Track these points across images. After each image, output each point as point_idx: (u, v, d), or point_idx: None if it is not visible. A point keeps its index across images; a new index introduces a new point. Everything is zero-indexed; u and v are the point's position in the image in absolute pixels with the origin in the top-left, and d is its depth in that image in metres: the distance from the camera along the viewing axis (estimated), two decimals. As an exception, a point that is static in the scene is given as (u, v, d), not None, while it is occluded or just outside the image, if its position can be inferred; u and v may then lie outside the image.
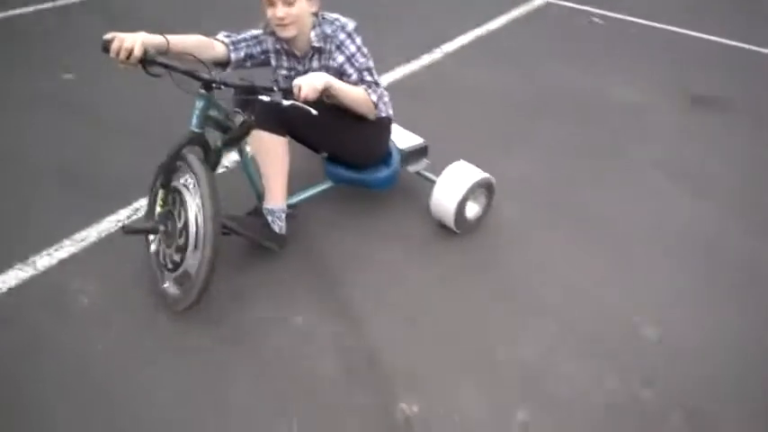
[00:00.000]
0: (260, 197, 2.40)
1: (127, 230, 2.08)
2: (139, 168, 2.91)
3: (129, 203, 2.68)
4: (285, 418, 1.82)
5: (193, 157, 2.05)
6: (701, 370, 2.06)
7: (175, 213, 2.07)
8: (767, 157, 3.40)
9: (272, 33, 2.23)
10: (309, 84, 1.97)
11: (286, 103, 1.94)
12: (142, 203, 2.68)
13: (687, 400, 1.94)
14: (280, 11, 2.08)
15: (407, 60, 4.27)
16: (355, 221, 2.67)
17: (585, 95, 4.01)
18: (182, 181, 2.09)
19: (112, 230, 2.52)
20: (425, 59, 4.36)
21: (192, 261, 1.99)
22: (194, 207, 2.00)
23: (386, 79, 3.94)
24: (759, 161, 3.35)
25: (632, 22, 5.47)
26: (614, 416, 1.89)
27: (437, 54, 4.47)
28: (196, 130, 2.07)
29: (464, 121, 3.60)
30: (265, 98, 1.95)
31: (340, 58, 2.21)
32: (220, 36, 2.26)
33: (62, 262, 2.35)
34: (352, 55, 2.22)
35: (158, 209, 2.12)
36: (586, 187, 3.01)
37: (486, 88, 4.03)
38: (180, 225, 2.03)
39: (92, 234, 2.49)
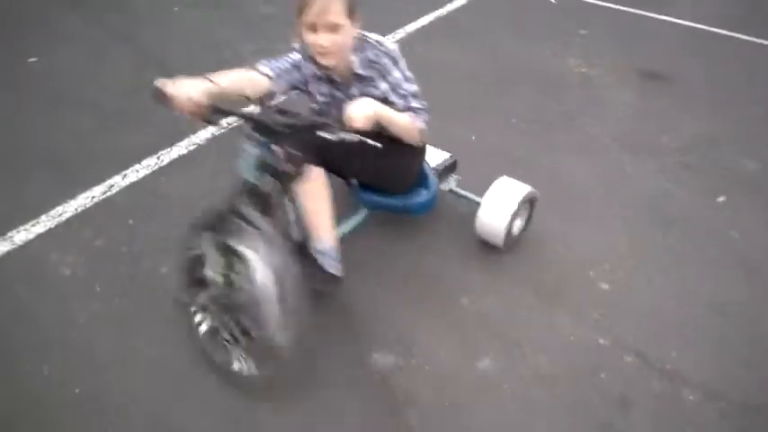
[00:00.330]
0: (304, 237, 2.13)
1: (179, 304, 1.85)
2: (110, 146, 2.99)
3: (103, 180, 2.73)
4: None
5: (252, 211, 1.76)
6: (648, 318, 2.24)
7: (237, 278, 1.76)
8: (710, 126, 3.60)
9: (311, 58, 1.98)
10: (362, 113, 1.75)
11: (351, 138, 1.70)
12: (116, 180, 2.73)
13: (638, 343, 2.12)
14: (323, 39, 1.83)
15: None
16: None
17: (543, 72, 4.16)
18: (241, 241, 1.73)
19: (88, 206, 2.57)
20: (389, 39, 4.45)
21: (273, 326, 1.70)
22: (264, 267, 1.68)
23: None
24: (703, 131, 3.55)
25: (587, 2, 5.65)
26: (573, 359, 2.05)
27: (400, 34, 4.57)
28: (253, 182, 1.78)
29: (429, 96, 3.70)
30: (330, 136, 1.71)
31: (383, 86, 2.02)
32: (262, 68, 1.98)
33: (40, 236, 2.40)
34: (397, 82, 2.02)
35: (216, 277, 1.79)
36: (547, 155, 3.16)
37: (449, 65, 4.15)
38: (247, 291, 1.72)
39: (68, 210, 2.54)
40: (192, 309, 1.91)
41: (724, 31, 5.14)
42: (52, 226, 2.45)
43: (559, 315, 2.21)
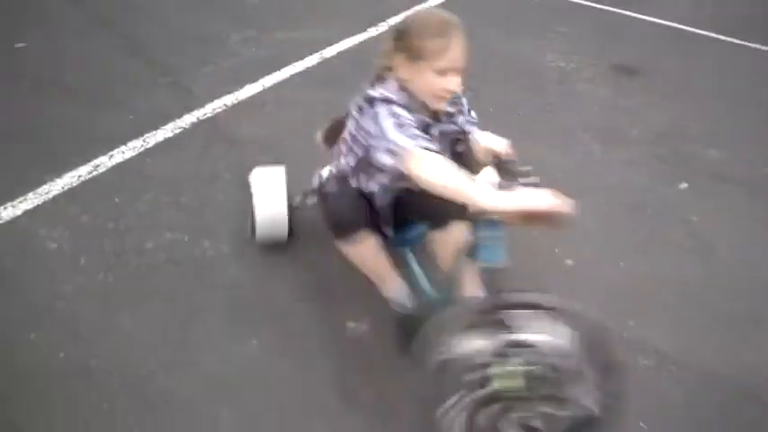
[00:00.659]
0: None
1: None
2: (96, 129, 3.05)
3: (89, 161, 2.79)
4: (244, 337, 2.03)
5: (519, 294, 1.60)
6: (608, 291, 2.36)
7: (537, 371, 1.53)
8: (679, 119, 3.75)
9: (422, 105, 1.78)
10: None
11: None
12: (102, 161, 2.80)
13: (600, 312, 2.23)
14: (453, 83, 1.70)
15: (355, 33, 4.46)
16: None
17: (522, 66, 4.29)
18: (523, 330, 1.54)
19: (75, 184, 2.64)
20: (372, 32, 4.55)
21: (589, 401, 1.54)
22: (567, 346, 1.52)
23: (335, 49, 4.15)
24: (672, 124, 3.70)
25: (569, 1, 5.80)
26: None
27: (383, 27, 4.66)
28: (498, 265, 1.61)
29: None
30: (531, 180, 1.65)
31: (461, 119, 1.99)
32: (426, 144, 1.61)
33: (27, 213, 2.46)
34: (468, 112, 2.03)
35: (510, 382, 1.53)
36: (522, 145, 3.24)
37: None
38: (554, 378, 1.54)
39: (54, 188, 2.60)
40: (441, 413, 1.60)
41: (697, 30, 5.33)
42: (39, 203, 2.51)
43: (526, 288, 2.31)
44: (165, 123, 3.10)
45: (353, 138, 1.80)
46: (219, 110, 3.30)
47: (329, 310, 2.17)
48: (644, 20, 5.49)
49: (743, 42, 5.16)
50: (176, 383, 1.88)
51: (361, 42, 4.36)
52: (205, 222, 2.50)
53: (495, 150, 1.90)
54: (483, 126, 3.29)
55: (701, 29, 5.35)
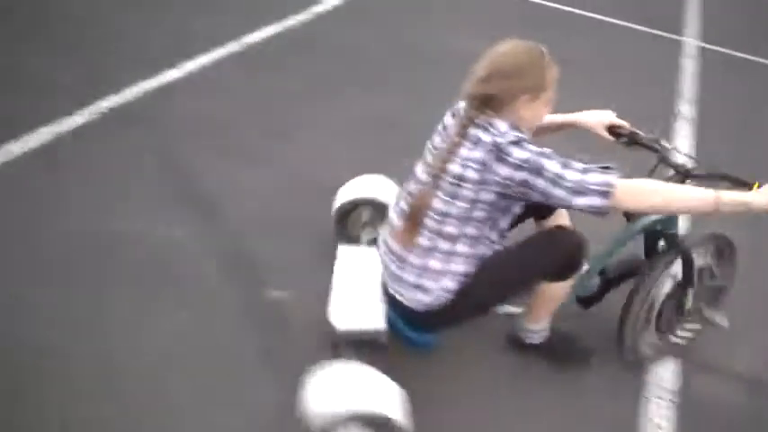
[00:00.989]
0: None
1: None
2: (4, 113, 2.95)
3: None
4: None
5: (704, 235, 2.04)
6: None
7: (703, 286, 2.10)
8: (599, 103, 3.91)
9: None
10: None
11: None
12: (12, 147, 2.72)
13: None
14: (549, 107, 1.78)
15: (278, 20, 4.48)
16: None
17: (442, 52, 4.40)
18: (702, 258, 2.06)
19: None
20: (294, 19, 4.58)
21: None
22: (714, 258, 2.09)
23: (257, 36, 4.17)
24: (593, 106, 3.88)
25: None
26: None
27: (309, 15, 4.70)
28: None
29: (338, 75, 3.88)
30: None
31: None
32: (615, 172, 1.60)
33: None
34: None
35: (687, 300, 2.06)
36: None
37: (353, 45, 4.32)
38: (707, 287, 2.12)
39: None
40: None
41: (615, 21, 5.65)
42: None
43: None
44: (80, 109, 3.04)
45: (474, 201, 1.62)
46: (139, 95, 3.26)
47: (253, 280, 2.20)
48: (563, 10, 5.75)
49: (657, 32, 5.53)
50: (132, 349, 1.88)
51: (285, 29, 4.39)
52: (123, 203, 2.48)
53: (612, 122, 2.01)
54: (406, 110, 3.37)
55: (619, 19, 5.68)
